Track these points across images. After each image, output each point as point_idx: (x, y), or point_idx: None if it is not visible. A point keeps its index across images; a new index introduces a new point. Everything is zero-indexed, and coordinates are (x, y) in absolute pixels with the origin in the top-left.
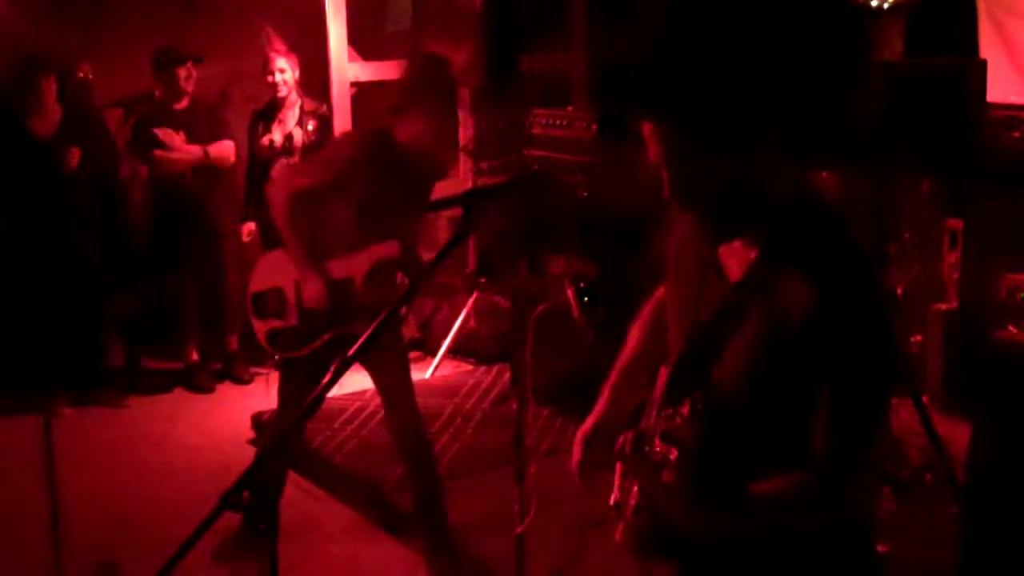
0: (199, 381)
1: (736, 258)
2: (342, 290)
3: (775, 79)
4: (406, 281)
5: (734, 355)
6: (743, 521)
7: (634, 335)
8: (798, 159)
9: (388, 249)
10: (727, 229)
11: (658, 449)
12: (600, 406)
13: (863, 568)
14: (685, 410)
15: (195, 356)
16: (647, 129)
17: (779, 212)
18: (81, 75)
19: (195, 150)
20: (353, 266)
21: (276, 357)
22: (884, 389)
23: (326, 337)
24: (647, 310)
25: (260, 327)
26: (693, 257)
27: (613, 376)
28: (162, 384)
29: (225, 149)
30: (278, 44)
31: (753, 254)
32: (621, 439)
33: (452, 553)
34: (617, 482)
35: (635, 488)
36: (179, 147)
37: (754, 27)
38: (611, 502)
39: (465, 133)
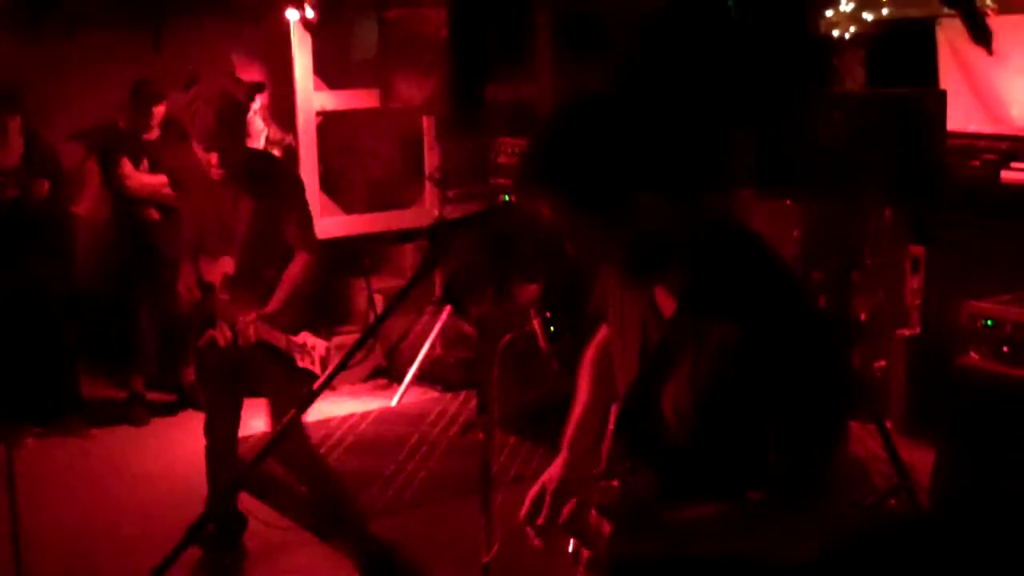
0: (132, 413)
1: (668, 297)
2: (209, 293)
3: (646, 151)
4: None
5: (672, 396)
6: (698, 542)
7: (583, 384)
8: (690, 202)
9: (227, 264)
10: (642, 279)
11: (593, 521)
12: (555, 462)
13: None
14: (616, 483)
15: (139, 387)
16: (543, 207)
17: (694, 252)
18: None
19: (163, 176)
20: (215, 272)
21: None
22: (828, 403)
23: (204, 339)
24: (590, 355)
25: None
26: (635, 297)
27: (568, 430)
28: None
29: None
30: (242, 73)
31: (676, 294)
32: (565, 510)
33: (375, 547)
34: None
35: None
36: (144, 177)
37: (628, 107)
38: (569, 549)
39: (431, 162)
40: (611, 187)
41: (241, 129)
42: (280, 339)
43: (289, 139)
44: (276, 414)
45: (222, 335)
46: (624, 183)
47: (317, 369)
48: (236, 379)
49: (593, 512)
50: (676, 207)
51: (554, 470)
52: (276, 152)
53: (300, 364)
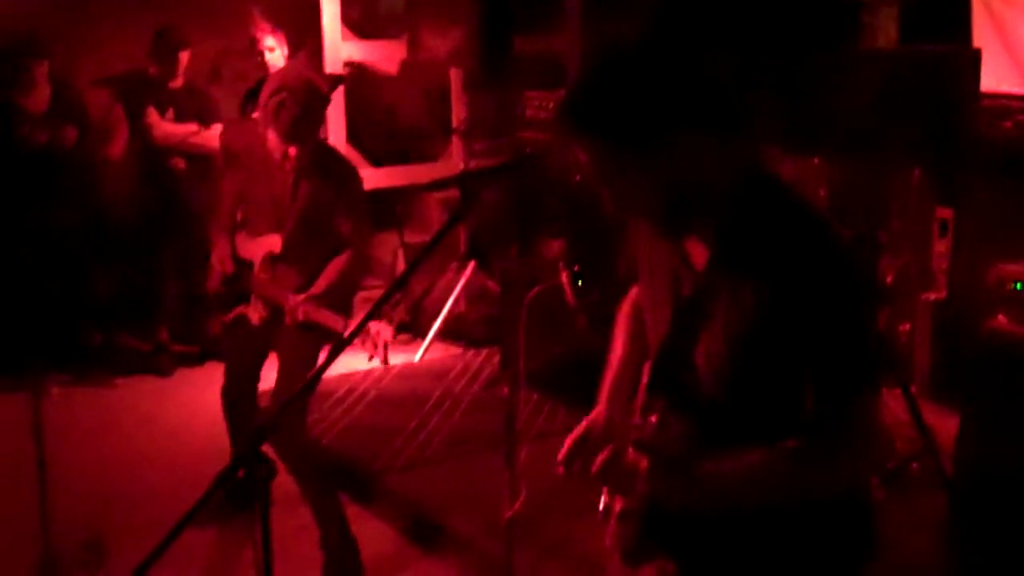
0: (159, 363)
1: (700, 248)
2: (243, 270)
3: (684, 88)
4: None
5: (705, 348)
6: (738, 490)
7: (617, 341)
8: (728, 144)
9: (272, 243)
10: (679, 228)
11: (629, 461)
12: (595, 410)
13: (861, 545)
14: (654, 419)
15: (164, 337)
16: (580, 153)
17: (728, 201)
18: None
19: (190, 126)
20: (253, 250)
21: None
22: (862, 350)
23: (232, 314)
24: (624, 311)
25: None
26: (665, 251)
27: (605, 384)
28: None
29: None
30: (263, 24)
31: (710, 245)
32: (599, 458)
33: (346, 533)
34: (605, 488)
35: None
36: (169, 126)
37: (667, 43)
38: (600, 507)
39: (457, 115)
40: (650, 124)
41: (321, 122)
42: (337, 321)
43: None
44: (285, 370)
45: (256, 312)
46: (663, 120)
47: (380, 356)
48: (260, 349)
49: (630, 452)
50: (714, 148)
51: (596, 416)
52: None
53: (360, 348)
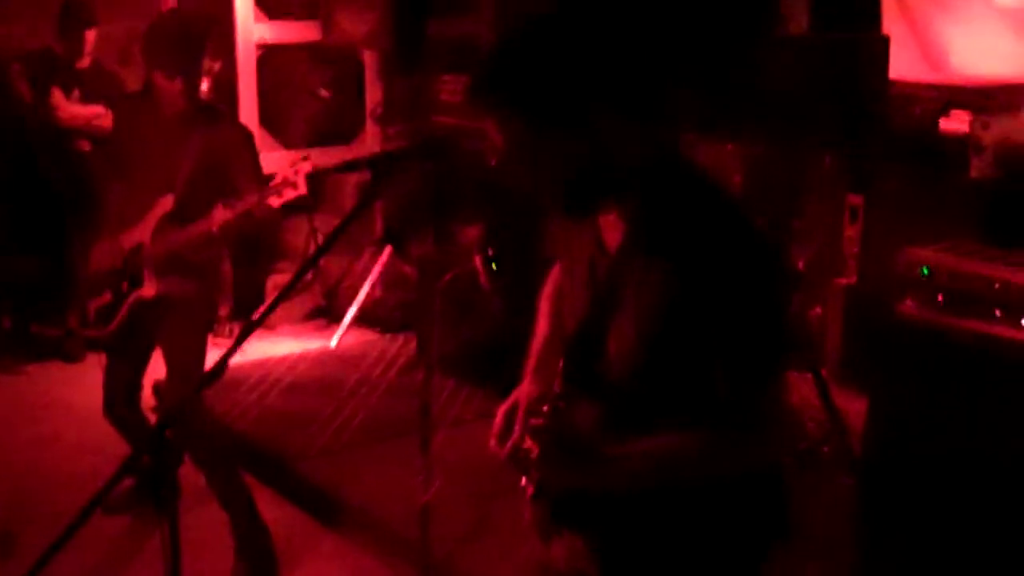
0: (68, 348)
1: (614, 233)
2: (135, 256)
3: (598, 64)
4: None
5: (617, 333)
6: (647, 473)
7: (541, 321)
8: (642, 124)
9: (164, 205)
10: (583, 208)
11: (527, 446)
12: (522, 384)
13: (773, 525)
14: (546, 408)
15: (74, 322)
16: (490, 125)
17: (641, 185)
18: None
19: (96, 107)
20: (141, 232)
21: None
22: (774, 337)
23: (124, 307)
24: (547, 291)
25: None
26: (583, 235)
27: (531, 359)
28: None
29: None
30: (171, 2)
31: (622, 229)
32: (507, 444)
33: (255, 518)
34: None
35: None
36: (75, 107)
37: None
38: (522, 483)
39: (372, 98)
40: (562, 98)
41: (202, 57)
42: (248, 201)
43: (215, 67)
44: (175, 359)
45: (151, 287)
46: (578, 93)
47: (302, 189)
48: (146, 337)
49: (527, 439)
50: (627, 131)
51: (523, 390)
52: (206, 80)
53: (281, 201)
